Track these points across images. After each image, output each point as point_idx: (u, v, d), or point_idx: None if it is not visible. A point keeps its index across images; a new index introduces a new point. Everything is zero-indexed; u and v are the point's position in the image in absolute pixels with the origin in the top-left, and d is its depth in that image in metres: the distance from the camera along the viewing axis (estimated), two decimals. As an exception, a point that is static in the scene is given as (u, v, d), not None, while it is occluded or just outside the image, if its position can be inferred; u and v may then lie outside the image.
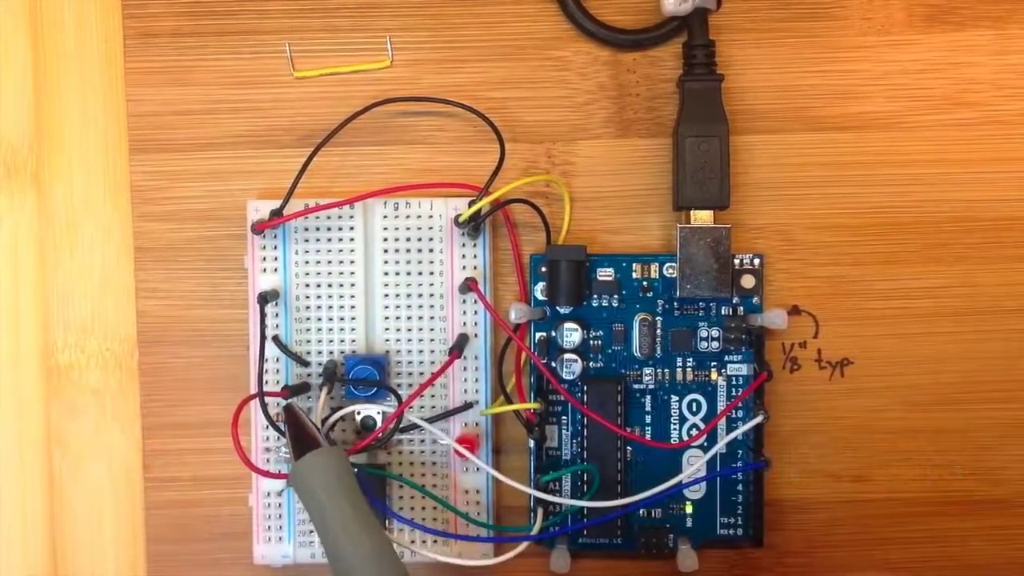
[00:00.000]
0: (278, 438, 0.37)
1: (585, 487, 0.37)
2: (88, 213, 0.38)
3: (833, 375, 0.38)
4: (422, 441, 0.37)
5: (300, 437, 0.34)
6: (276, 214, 0.36)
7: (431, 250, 0.37)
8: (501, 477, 0.36)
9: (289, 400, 0.35)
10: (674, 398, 0.37)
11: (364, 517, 0.32)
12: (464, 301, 0.37)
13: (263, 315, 0.35)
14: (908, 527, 0.38)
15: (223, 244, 0.38)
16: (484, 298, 0.36)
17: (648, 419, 0.37)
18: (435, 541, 0.37)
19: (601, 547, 0.37)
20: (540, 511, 0.36)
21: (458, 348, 0.36)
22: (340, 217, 0.37)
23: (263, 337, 0.35)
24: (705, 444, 0.37)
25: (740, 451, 0.37)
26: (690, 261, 0.36)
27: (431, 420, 0.37)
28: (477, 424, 0.37)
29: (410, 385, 0.37)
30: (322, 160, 0.36)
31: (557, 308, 0.37)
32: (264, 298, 0.36)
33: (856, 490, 0.38)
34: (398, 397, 0.35)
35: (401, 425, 0.36)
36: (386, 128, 0.38)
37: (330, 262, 0.37)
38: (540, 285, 0.37)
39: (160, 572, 0.38)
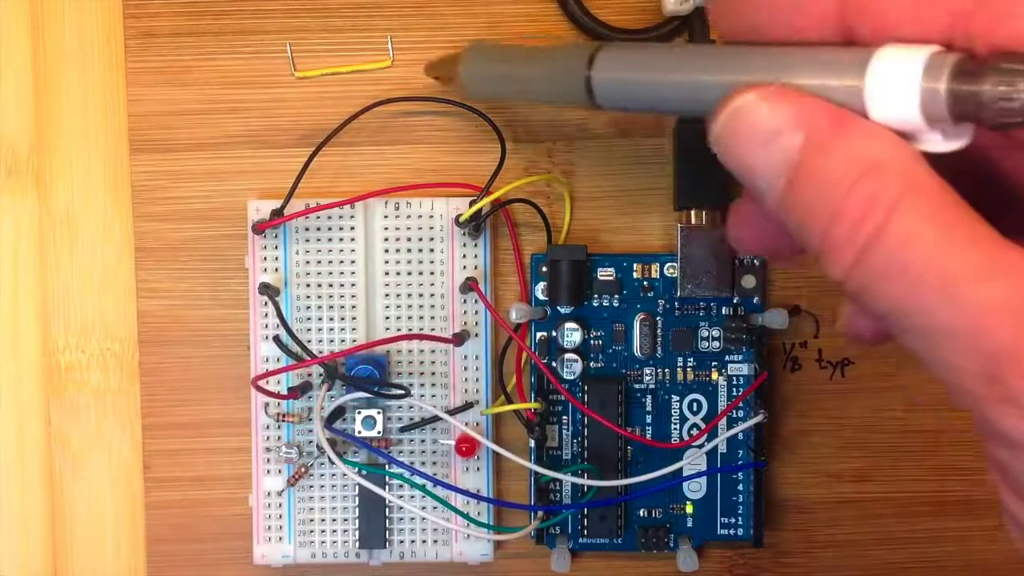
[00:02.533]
0: (278, 438, 0.37)
1: (585, 487, 0.37)
2: (89, 213, 0.38)
3: (834, 375, 0.38)
4: (423, 441, 0.37)
5: None
6: (277, 214, 0.36)
7: (432, 250, 0.37)
8: (506, 454, 0.36)
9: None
10: (675, 398, 0.37)
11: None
12: (465, 301, 0.37)
13: (276, 304, 0.35)
14: (908, 527, 0.38)
15: (223, 244, 0.38)
16: (485, 298, 0.36)
17: (649, 419, 0.37)
18: (435, 541, 0.37)
19: (601, 547, 0.38)
20: (541, 505, 0.37)
21: (459, 337, 0.36)
22: (341, 217, 0.37)
23: (283, 320, 0.35)
24: (705, 444, 0.37)
25: (740, 451, 0.37)
26: (691, 261, 0.36)
27: (430, 420, 0.37)
28: (478, 424, 0.37)
29: (410, 384, 0.37)
30: (323, 160, 0.36)
31: (558, 308, 0.37)
32: (266, 287, 0.36)
33: (856, 490, 0.38)
34: (405, 389, 0.35)
35: (410, 422, 0.37)
36: (387, 128, 0.38)
37: (331, 262, 0.37)
38: (541, 285, 0.37)
39: (160, 572, 0.38)
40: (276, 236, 0.37)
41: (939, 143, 0.21)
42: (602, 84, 0.27)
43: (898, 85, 0.21)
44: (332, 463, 0.36)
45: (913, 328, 0.21)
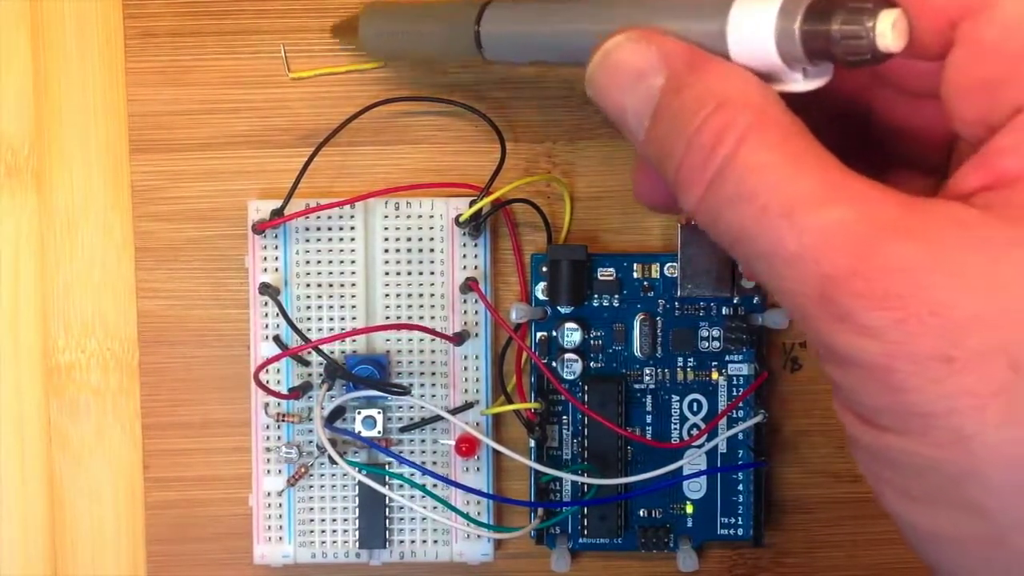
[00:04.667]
0: (278, 438, 0.37)
1: (585, 487, 0.37)
2: (89, 213, 0.38)
3: (834, 375, 0.38)
4: (423, 441, 0.37)
5: None
6: (277, 214, 0.36)
7: (432, 250, 0.37)
8: (506, 451, 0.36)
9: None
10: (675, 398, 0.37)
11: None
12: (465, 301, 0.37)
13: (278, 301, 0.36)
14: (908, 527, 0.38)
15: (223, 244, 0.38)
16: (485, 298, 0.36)
17: (649, 419, 0.37)
18: (435, 541, 0.37)
19: (601, 547, 0.38)
20: (542, 500, 0.37)
21: (459, 336, 0.36)
22: (341, 217, 0.37)
23: (284, 312, 0.36)
24: (705, 444, 0.37)
25: (740, 451, 0.37)
26: (691, 261, 0.36)
27: (430, 420, 0.37)
28: (478, 424, 0.37)
29: (410, 384, 0.37)
30: (323, 160, 0.36)
31: (558, 308, 0.37)
32: (267, 286, 0.36)
33: (856, 490, 0.38)
34: (405, 388, 0.35)
35: (410, 422, 0.37)
36: (386, 128, 0.38)
37: (331, 262, 0.37)
38: (541, 285, 0.37)
39: (160, 572, 0.38)
40: (276, 236, 0.37)
41: (800, 83, 0.23)
42: (489, 37, 0.30)
43: (755, 27, 0.22)
44: (332, 463, 0.36)
45: (759, 255, 0.21)
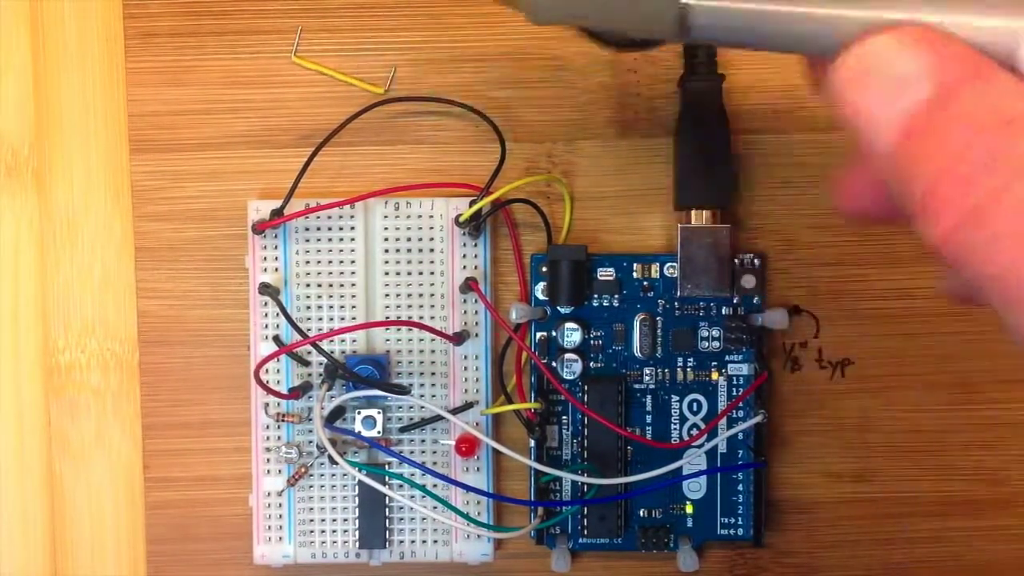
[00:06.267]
0: (278, 438, 0.37)
1: (585, 487, 0.37)
2: (89, 213, 0.38)
3: (834, 375, 0.38)
4: (423, 441, 0.37)
5: None
6: (277, 214, 0.36)
7: (432, 250, 0.37)
8: (506, 451, 0.36)
9: None
10: (675, 398, 0.37)
11: None
12: (465, 301, 0.37)
13: (278, 300, 0.36)
14: (909, 527, 0.38)
15: (224, 244, 0.38)
16: (485, 298, 0.36)
17: (649, 419, 0.37)
18: (435, 541, 0.37)
19: (601, 547, 0.38)
20: (541, 508, 0.37)
21: (459, 336, 0.36)
22: (341, 217, 0.37)
23: (284, 311, 0.36)
24: (705, 444, 0.37)
25: (740, 451, 0.37)
26: (691, 261, 0.36)
27: (430, 420, 0.37)
28: (477, 424, 0.37)
29: (410, 384, 0.37)
30: (323, 160, 0.36)
31: (558, 308, 0.37)
32: (266, 286, 0.36)
33: (856, 490, 0.38)
34: (405, 388, 0.35)
35: (410, 422, 0.37)
36: (387, 128, 0.38)
37: (331, 262, 0.37)
38: (541, 285, 0.37)
39: (160, 572, 0.38)
40: (276, 236, 0.37)
41: None
42: (703, 12, 0.23)
43: None
44: (333, 463, 0.36)
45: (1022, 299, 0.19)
